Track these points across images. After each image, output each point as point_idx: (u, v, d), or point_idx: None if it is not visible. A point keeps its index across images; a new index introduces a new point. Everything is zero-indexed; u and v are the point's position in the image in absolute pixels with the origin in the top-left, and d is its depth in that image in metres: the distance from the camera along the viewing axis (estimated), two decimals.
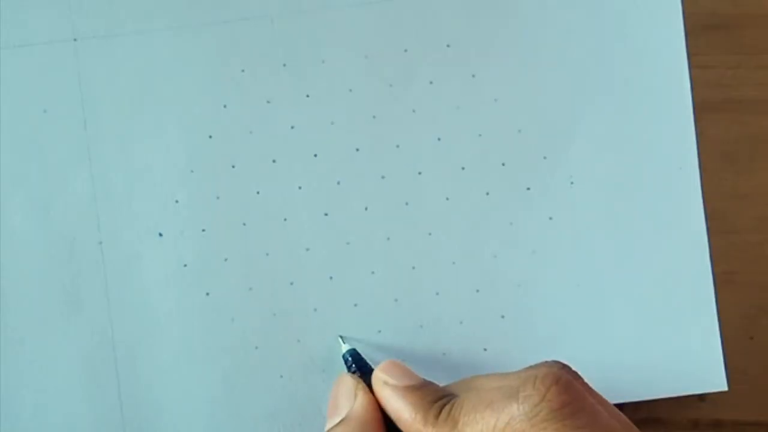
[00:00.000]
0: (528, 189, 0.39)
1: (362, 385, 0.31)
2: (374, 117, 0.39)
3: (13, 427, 0.37)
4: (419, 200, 0.39)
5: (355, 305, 0.38)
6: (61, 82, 0.38)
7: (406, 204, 0.39)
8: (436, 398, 0.28)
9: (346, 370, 0.35)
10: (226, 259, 0.38)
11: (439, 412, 0.27)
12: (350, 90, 0.39)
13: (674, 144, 0.39)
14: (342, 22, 0.39)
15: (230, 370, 0.38)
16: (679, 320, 0.38)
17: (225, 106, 0.39)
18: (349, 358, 0.35)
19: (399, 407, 0.28)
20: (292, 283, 0.38)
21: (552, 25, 0.39)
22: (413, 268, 0.38)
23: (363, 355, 0.36)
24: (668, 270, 0.38)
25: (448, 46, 0.39)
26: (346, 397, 0.30)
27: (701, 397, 0.39)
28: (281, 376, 0.38)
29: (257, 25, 0.39)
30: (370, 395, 0.30)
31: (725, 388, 0.38)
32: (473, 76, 0.39)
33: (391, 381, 0.29)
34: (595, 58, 0.39)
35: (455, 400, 0.27)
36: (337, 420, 0.29)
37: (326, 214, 0.39)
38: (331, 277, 0.38)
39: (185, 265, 0.38)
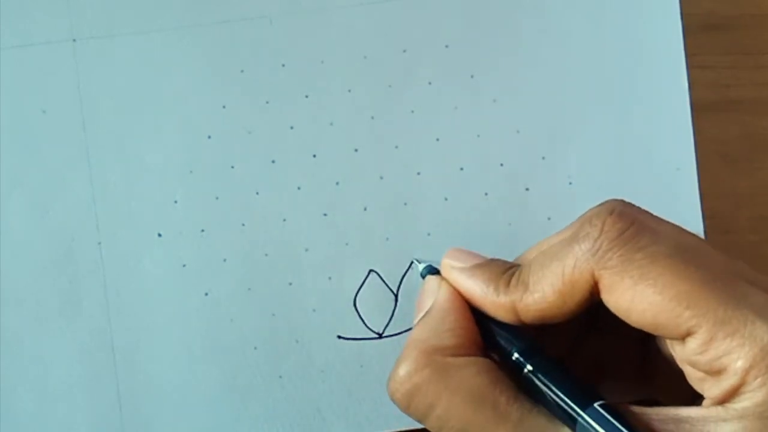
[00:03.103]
0: (527, 189, 0.39)
1: (445, 281, 0.30)
2: (373, 117, 0.39)
3: (13, 427, 0.37)
4: (418, 201, 0.39)
5: (355, 306, 0.38)
6: (60, 83, 0.38)
7: (405, 204, 0.39)
8: (505, 269, 0.28)
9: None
10: (225, 260, 0.38)
11: (509, 280, 0.27)
12: (349, 90, 0.39)
13: (672, 144, 0.39)
14: (341, 23, 0.39)
15: (229, 371, 0.38)
16: None
17: (224, 107, 0.39)
18: (427, 273, 0.34)
19: (470, 286, 0.28)
20: (291, 284, 0.38)
21: (550, 26, 0.39)
22: (412, 268, 0.39)
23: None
24: None
25: (446, 46, 0.39)
26: (430, 293, 0.30)
27: None
28: (280, 377, 0.38)
29: (256, 26, 0.39)
30: (454, 288, 0.30)
31: None
32: (472, 76, 0.39)
33: (458, 264, 0.29)
34: (594, 58, 0.39)
35: (522, 266, 0.27)
36: (420, 316, 0.29)
37: (325, 215, 0.39)
38: (330, 278, 0.38)
39: (184, 266, 0.38)
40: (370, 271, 0.39)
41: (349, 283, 0.39)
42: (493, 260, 0.29)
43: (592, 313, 0.26)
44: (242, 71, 0.39)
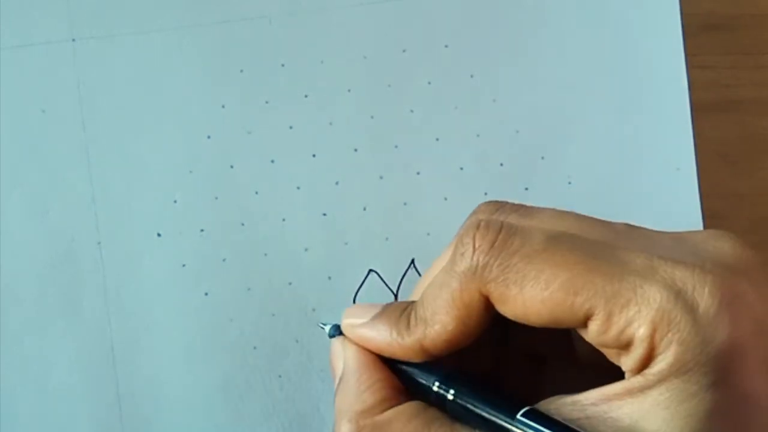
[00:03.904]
0: (526, 189, 0.39)
1: (348, 341, 0.31)
2: (372, 117, 0.39)
3: (13, 427, 0.37)
4: (417, 200, 0.39)
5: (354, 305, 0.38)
6: (60, 83, 0.38)
7: (405, 204, 0.39)
8: (401, 311, 0.28)
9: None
10: (224, 260, 0.38)
11: (408, 320, 0.28)
12: (349, 90, 0.39)
13: (672, 144, 0.39)
14: (340, 23, 0.39)
15: (229, 370, 0.38)
16: None
17: (223, 107, 0.39)
18: (334, 333, 0.34)
19: (373, 337, 0.29)
20: (290, 283, 0.38)
21: (550, 26, 0.39)
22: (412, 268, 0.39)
23: None
24: None
25: (446, 46, 0.39)
26: (338, 357, 0.30)
27: None
28: (280, 376, 0.38)
29: (256, 26, 0.39)
30: (357, 345, 0.30)
31: None
32: (471, 76, 0.39)
33: (357, 320, 0.30)
34: (593, 58, 0.39)
35: (417, 303, 0.28)
36: (336, 382, 0.30)
37: (324, 215, 0.39)
38: (329, 277, 0.38)
39: (184, 266, 0.38)
40: (370, 270, 0.39)
41: (349, 283, 0.39)
42: (388, 305, 0.30)
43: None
44: (242, 71, 0.39)
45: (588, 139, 0.39)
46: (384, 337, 0.28)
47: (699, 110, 0.39)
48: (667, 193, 0.39)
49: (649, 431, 0.23)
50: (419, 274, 0.38)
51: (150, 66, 0.39)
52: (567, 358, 0.29)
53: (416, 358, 0.28)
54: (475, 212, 0.28)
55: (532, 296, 0.24)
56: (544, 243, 0.25)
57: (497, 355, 0.30)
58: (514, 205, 0.27)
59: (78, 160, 0.38)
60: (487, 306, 0.26)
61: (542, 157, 0.39)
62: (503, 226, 0.26)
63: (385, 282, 0.38)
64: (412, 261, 0.38)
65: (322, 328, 0.32)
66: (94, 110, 0.39)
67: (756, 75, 0.40)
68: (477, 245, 0.25)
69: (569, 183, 0.39)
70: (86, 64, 0.39)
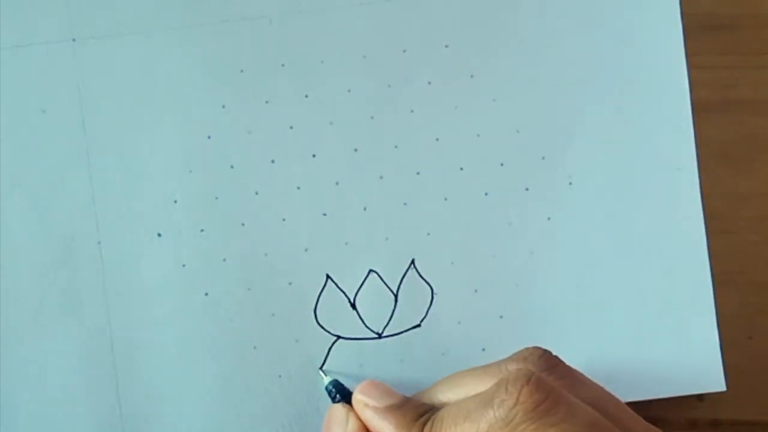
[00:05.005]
0: (526, 189, 0.39)
1: (353, 412, 0.31)
2: (372, 117, 0.39)
3: (13, 427, 0.37)
4: (418, 200, 0.39)
5: (354, 306, 0.38)
6: (60, 83, 0.38)
7: (405, 204, 0.39)
8: (417, 416, 0.28)
9: (331, 401, 0.36)
10: (224, 260, 0.38)
11: (422, 430, 0.28)
12: (349, 90, 0.39)
13: (673, 144, 0.39)
14: (340, 23, 0.39)
15: (229, 371, 0.38)
16: (678, 320, 0.38)
17: (224, 106, 0.39)
18: (333, 389, 0.36)
19: (382, 427, 0.29)
20: (290, 284, 0.38)
21: (550, 26, 0.39)
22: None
23: (346, 383, 0.36)
24: (667, 270, 0.38)
25: (446, 46, 0.39)
26: (338, 425, 0.30)
27: (700, 397, 0.39)
28: (280, 376, 0.38)
29: (256, 26, 0.39)
30: (360, 422, 0.30)
31: (723, 388, 0.38)
32: (472, 76, 0.39)
33: (371, 402, 0.30)
34: (594, 58, 0.39)
35: (435, 415, 0.28)
36: None
37: (325, 215, 0.39)
38: (329, 277, 0.38)
39: (184, 266, 0.38)
40: (370, 271, 0.39)
41: (349, 284, 0.38)
42: (406, 402, 0.30)
43: None
44: (242, 71, 0.39)
45: (588, 139, 0.39)
46: None
47: (699, 110, 0.39)
48: (668, 193, 0.39)
49: None
50: (419, 274, 0.38)
51: (150, 66, 0.39)
52: None
53: None
54: (525, 358, 0.28)
55: None
56: (585, 428, 0.25)
57: None
58: (567, 368, 0.27)
59: (78, 159, 0.38)
60: None
61: (543, 157, 0.39)
62: (552, 391, 0.25)
63: (385, 282, 0.38)
64: (412, 261, 0.38)
65: (322, 377, 0.32)
66: (94, 110, 0.39)
67: (756, 75, 0.40)
68: (521, 399, 0.25)
69: (570, 183, 0.39)
70: (86, 64, 0.39)
